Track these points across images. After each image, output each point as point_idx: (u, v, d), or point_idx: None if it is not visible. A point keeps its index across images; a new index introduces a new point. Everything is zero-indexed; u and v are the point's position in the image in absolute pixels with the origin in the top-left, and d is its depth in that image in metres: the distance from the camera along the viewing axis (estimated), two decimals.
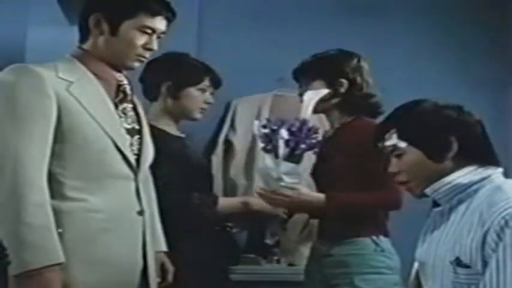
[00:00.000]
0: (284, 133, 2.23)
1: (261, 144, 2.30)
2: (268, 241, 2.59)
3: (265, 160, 2.30)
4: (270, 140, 2.26)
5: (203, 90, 2.55)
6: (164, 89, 2.54)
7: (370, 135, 1.89)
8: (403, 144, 1.76)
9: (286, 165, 2.27)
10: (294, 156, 2.26)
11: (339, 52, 2.47)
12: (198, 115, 2.57)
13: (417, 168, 1.75)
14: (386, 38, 3.55)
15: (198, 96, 2.54)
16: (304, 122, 2.27)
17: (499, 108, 3.63)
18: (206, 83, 2.55)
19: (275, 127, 2.24)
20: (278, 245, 3.20)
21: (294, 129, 2.23)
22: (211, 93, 2.59)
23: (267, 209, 2.54)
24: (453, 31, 3.61)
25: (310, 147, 2.27)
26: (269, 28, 3.48)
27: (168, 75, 2.54)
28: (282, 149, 2.24)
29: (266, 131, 2.27)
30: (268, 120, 2.31)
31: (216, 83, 2.60)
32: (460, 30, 3.61)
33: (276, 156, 2.25)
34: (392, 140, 1.78)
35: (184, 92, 2.53)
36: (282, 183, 2.28)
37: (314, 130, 2.27)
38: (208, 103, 2.58)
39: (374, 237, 2.35)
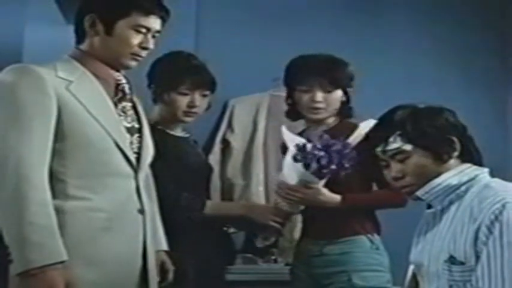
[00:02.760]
0: (323, 151, 2.24)
1: (292, 151, 2.29)
2: (259, 244, 2.56)
3: (289, 167, 2.30)
4: (304, 152, 2.25)
5: (184, 94, 2.48)
6: (152, 93, 2.54)
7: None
8: (408, 147, 1.76)
9: (309, 177, 2.28)
10: (319, 173, 2.27)
11: (340, 59, 2.49)
12: (185, 119, 2.52)
13: (422, 170, 1.76)
14: (385, 38, 3.55)
15: (179, 100, 2.48)
16: (346, 146, 2.26)
17: (498, 108, 3.65)
18: (187, 85, 2.48)
19: (319, 146, 2.24)
20: (275, 245, 3.20)
21: (333, 148, 2.23)
22: (203, 96, 2.53)
23: (260, 218, 2.52)
24: (453, 31, 3.61)
25: (338, 170, 2.25)
26: (267, 27, 3.48)
27: (152, 79, 2.54)
28: (315, 164, 2.24)
29: (308, 145, 2.26)
30: (321, 137, 2.29)
31: (203, 85, 2.52)
32: (460, 29, 3.61)
33: (306, 167, 2.26)
34: (397, 143, 1.77)
35: (166, 96, 2.49)
36: (302, 180, 2.30)
37: (351, 157, 2.25)
38: (193, 106, 2.49)
39: (369, 235, 2.39)
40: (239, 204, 2.50)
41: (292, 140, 2.37)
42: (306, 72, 2.45)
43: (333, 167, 2.24)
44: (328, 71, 2.43)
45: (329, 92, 2.44)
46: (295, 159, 2.28)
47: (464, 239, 1.64)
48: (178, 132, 2.57)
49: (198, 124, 2.71)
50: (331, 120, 2.49)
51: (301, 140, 2.32)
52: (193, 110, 2.50)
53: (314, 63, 2.45)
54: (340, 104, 2.48)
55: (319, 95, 2.43)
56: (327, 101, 2.44)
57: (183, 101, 2.48)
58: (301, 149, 2.28)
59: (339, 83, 2.45)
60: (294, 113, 2.55)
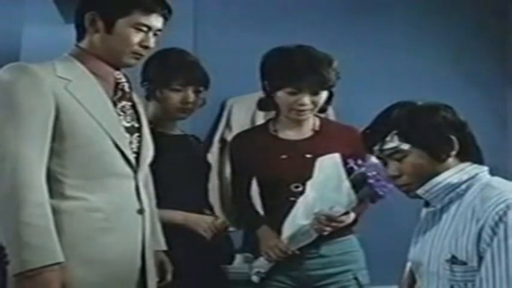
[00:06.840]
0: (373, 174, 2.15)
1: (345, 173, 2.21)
2: (255, 279, 2.49)
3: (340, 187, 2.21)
4: (358, 176, 2.18)
5: (177, 90, 2.46)
6: (145, 90, 2.53)
7: (359, 140, 1.90)
8: (405, 146, 1.75)
9: (353, 201, 2.20)
10: (368, 198, 2.23)
11: (327, 55, 2.34)
12: (179, 115, 2.52)
13: (420, 169, 1.75)
14: (385, 38, 3.56)
15: (171, 97, 2.46)
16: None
17: (498, 108, 3.65)
18: (179, 82, 2.46)
19: (374, 173, 2.15)
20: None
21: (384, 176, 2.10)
22: (196, 92, 2.50)
23: (196, 227, 2.43)
24: (452, 31, 3.63)
25: (383, 195, 2.19)
26: (265, 26, 3.48)
27: (145, 76, 2.53)
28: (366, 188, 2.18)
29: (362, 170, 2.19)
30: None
31: (196, 81, 2.50)
32: (460, 30, 3.63)
33: (355, 189, 2.18)
34: (394, 142, 1.76)
35: (158, 93, 2.48)
36: (341, 209, 2.22)
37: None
38: (187, 102, 2.48)
39: (354, 235, 2.40)
40: (177, 213, 2.45)
41: (337, 164, 2.22)
42: (294, 74, 2.27)
43: (377, 189, 2.17)
44: (317, 72, 2.26)
45: (317, 94, 2.30)
46: (356, 184, 2.19)
47: (466, 238, 1.63)
48: (171, 130, 2.56)
49: (196, 123, 2.71)
50: (311, 119, 2.41)
51: (359, 167, 2.20)
52: (187, 106, 2.49)
53: (302, 63, 2.27)
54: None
55: (307, 98, 2.29)
56: (314, 102, 2.30)
57: (176, 98, 2.47)
58: (357, 172, 2.19)
59: (328, 84, 2.30)
60: (270, 106, 2.43)
